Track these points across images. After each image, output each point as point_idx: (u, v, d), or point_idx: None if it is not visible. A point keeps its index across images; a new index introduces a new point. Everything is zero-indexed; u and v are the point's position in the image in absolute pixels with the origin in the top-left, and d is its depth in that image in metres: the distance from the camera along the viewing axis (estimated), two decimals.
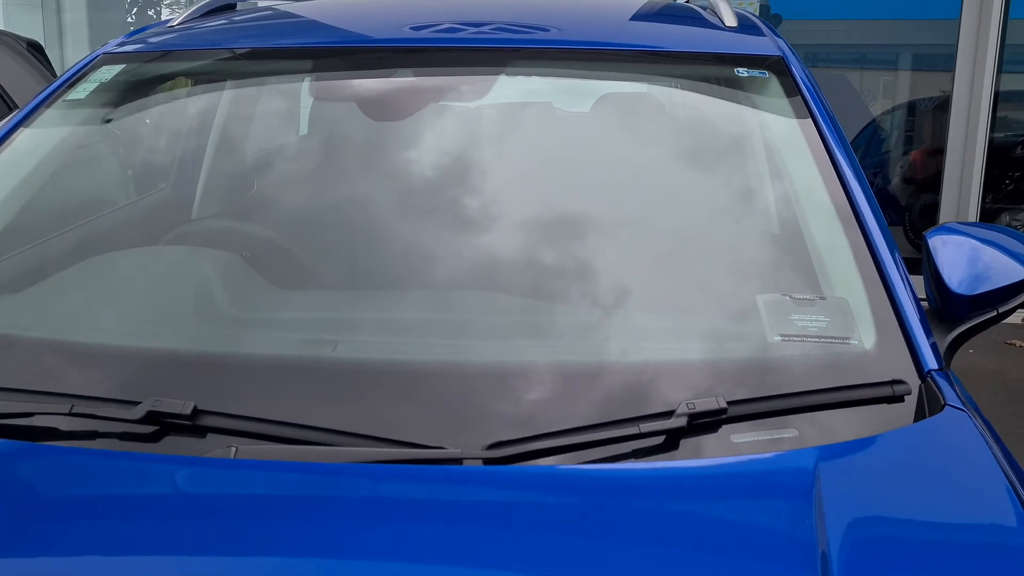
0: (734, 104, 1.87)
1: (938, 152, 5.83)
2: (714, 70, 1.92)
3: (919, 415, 1.32)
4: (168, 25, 2.20)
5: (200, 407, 1.27)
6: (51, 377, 1.42)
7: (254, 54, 2.05)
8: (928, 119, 6.43)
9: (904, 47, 6.68)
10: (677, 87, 1.97)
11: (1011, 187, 5.99)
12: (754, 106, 1.85)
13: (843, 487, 1.16)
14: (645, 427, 1.24)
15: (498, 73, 1.96)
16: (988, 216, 5.84)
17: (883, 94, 6.81)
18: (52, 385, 1.39)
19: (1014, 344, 4.95)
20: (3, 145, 1.88)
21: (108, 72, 2.01)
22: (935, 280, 1.61)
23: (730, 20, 2.03)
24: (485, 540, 1.11)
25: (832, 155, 1.69)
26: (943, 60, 5.82)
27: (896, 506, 1.16)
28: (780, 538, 1.10)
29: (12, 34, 4.75)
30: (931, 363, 1.38)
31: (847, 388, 1.33)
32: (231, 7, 2.41)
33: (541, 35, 1.99)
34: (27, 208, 1.87)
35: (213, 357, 1.46)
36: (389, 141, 1.90)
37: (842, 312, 1.44)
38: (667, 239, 1.70)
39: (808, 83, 1.84)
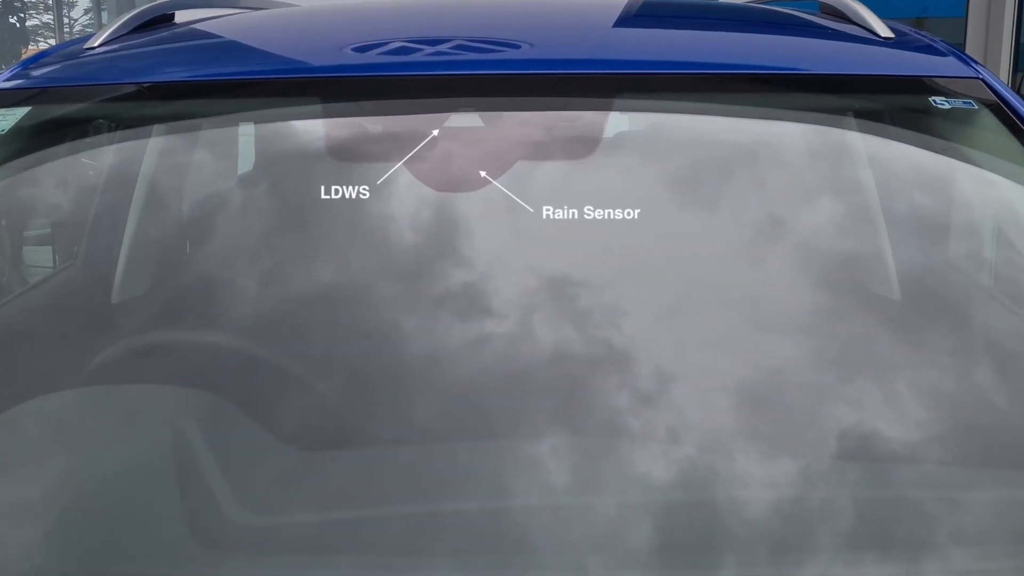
0: (944, 144, 1.41)
1: None
2: (895, 100, 1.44)
3: None
4: (85, 46, 1.62)
5: None
6: None
7: (214, 88, 1.49)
8: None
9: None
10: (846, 126, 1.48)
11: None
12: (968, 145, 1.40)
13: None
14: None
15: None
16: None
17: None
18: None
19: None
20: None
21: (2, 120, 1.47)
22: None
23: (883, 30, 1.50)
24: None
25: None
26: None
27: None
28: None
29: None
30: None
31: None
32: (168, 18, 1.87)
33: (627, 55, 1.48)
34: None
35: None
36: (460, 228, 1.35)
37: None
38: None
39: None
